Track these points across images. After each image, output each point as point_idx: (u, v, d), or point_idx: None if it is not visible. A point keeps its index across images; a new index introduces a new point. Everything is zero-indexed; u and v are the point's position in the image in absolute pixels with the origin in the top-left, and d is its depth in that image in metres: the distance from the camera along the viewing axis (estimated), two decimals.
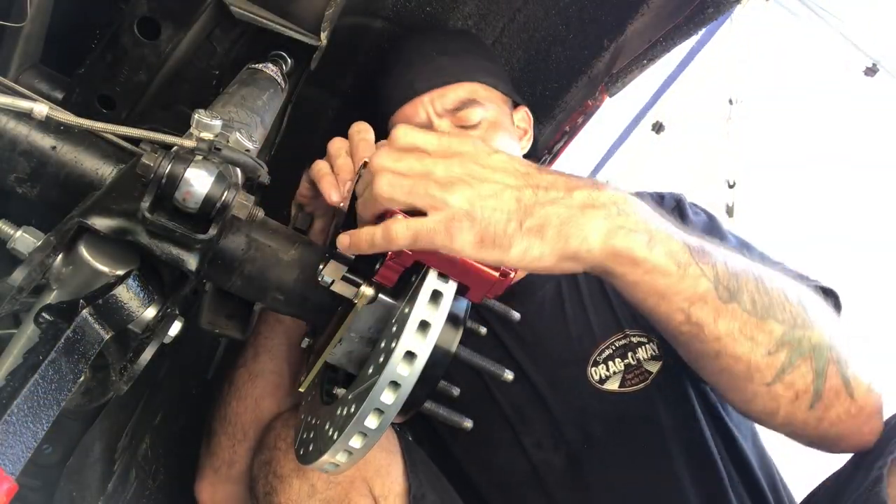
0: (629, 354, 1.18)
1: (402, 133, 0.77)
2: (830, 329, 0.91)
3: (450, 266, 0.74)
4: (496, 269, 0.74)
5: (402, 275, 0.76)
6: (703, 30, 1.34)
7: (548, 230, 0.74)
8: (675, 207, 1.26)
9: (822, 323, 0.90)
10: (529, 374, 1.22)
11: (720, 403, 1.19)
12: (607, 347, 1.19)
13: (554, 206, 0.75)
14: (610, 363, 1.18)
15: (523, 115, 1.40)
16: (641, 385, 1.16)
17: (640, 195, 0.83)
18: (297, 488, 1.00)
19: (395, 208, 0.74)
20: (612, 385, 1.17)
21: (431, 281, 0.73)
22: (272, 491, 1.01)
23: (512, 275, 0.75)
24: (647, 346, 1.18)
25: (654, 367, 1.17)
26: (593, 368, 1.19)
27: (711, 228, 1.21)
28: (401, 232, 0.71)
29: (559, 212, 0.74)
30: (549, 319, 1.24)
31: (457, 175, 0.73)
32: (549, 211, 0.74)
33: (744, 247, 1.16)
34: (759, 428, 1.22)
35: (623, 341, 1.19)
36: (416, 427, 1.32)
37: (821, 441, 0.94)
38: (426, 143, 0.76)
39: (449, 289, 0.73)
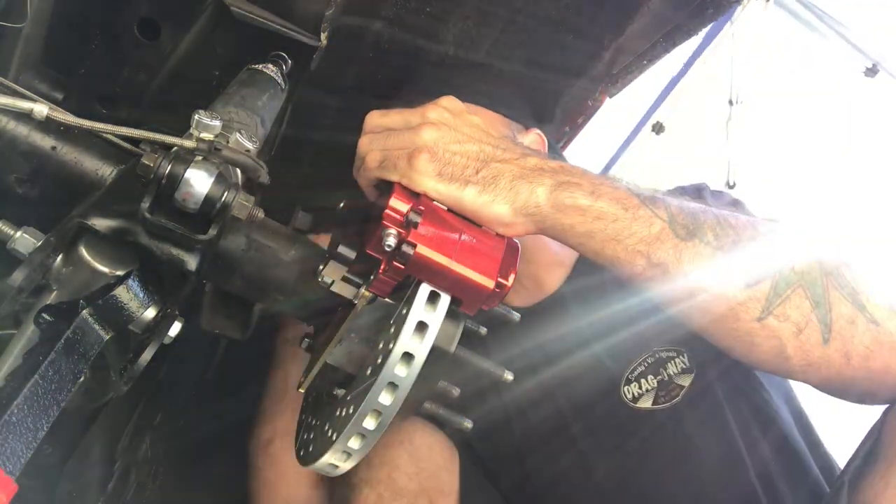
0: (661, 370, 1.17)
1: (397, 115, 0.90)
2: (820, 255, 0.87)
3: (442, 278, 0.73)
4: (490, 279, 0.74)
5: (398, 285, 0.76)
6: (704, 31, 1.34)
7: (500, 181, 0.82)
8: (695, 196, 1.24)
9: (807, 250, 0.87)
10: (557, 395, 1.22)
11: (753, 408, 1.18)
12: (639, 365, 1.19)
13: (508, 164, 0.83)
14: (643, 380, 1.18)
15: (534, 138, 1.37)
16: (673, 401, 1.16)
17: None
18: (366, 496, 1.09)
19: (377, 170, 0.85)
20: (646, 403, 1.17)
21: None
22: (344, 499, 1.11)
23: (508, 284, 0.75)
24: (676, 360, 1.17)
25: (685, 381, 1.16)
26: (626, 387, 1.18)
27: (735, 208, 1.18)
28: (371, 157, 0.85)
29: (512, 169, 0.83)
30: (578, 339, 1.23)
31: (431, 120, 0.84)
32: (503, 167, 0.83)
33: None
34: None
35: (652, 358, 1.19)
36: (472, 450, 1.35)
37: (870, 386, 0.87)
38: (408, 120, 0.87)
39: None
